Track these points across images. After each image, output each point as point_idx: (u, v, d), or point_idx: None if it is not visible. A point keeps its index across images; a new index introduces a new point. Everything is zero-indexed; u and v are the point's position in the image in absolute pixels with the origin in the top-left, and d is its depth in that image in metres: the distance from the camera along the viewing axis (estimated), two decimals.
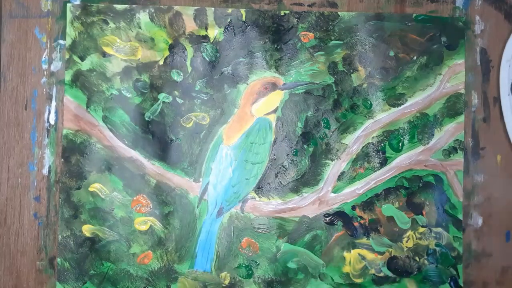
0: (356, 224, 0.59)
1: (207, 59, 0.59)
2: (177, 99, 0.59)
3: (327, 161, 0.59)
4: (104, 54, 0.58)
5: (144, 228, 0.58)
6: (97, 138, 0.58)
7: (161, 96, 0.59)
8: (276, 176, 0.59)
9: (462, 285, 0.59)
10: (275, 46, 0.59)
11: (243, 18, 0.59)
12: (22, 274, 0.58)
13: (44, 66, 0.59)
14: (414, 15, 0.60)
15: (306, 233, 0.59)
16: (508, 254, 0.59)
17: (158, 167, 0.58)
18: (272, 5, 0.59)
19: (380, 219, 0.59)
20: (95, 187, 0.58)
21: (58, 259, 0.57)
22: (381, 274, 0.59)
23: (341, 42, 0.59)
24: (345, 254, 0.58)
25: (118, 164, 0.58)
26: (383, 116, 0.59)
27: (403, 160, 0.59)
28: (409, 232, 0.59)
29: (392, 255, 0.59)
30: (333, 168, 0.59)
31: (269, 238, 0.58)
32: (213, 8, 0.59)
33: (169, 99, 0.59)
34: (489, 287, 0.59)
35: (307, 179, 0.59)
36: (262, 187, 0.59)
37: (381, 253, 0.59)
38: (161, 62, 0.59)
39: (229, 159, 0.59)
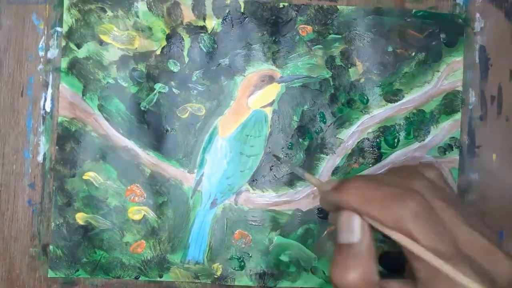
0: None
1: (205, 50, 0.59)
2: (173, 89, 0.59)
3: (322, 155, 0.59)
4: (101, 42, 0.58)
5: (137, 217, 0.58)
6: (92, 126, 0.58)
7: (157, 86, 0.58)
8: (271, 169, 0.59)
9: None
10: (273, 38, 0.59)
11: (242, 10, 0.59)
12: (15, 260, 0.58)
13: (41, 53, 0.59)
14: (413, 10, 0.59)
15: (299, 226, 0.59)
16: None
17: (152, 157, 0.58)
18: None
19: None
20: (89, 175, 0.58)
21: (51, 247, 0.57)
22: None
23: (340, 36, 0.59)
24: None
25: (113, 153, 0.58)
26: (379, 111, 0.59)
27: (398, 157, 0.59)
28: None
29: (384, 250, 0.59)
30: (328, 163, 0.59)
31: (262, 230, 0.59)
32: None
33: (165, 89, 0.59)
34: None
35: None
36: (256, 179, 0.59)
37: None
38: (158, 52, 0.58)
39: (224, 151, 0.59)
